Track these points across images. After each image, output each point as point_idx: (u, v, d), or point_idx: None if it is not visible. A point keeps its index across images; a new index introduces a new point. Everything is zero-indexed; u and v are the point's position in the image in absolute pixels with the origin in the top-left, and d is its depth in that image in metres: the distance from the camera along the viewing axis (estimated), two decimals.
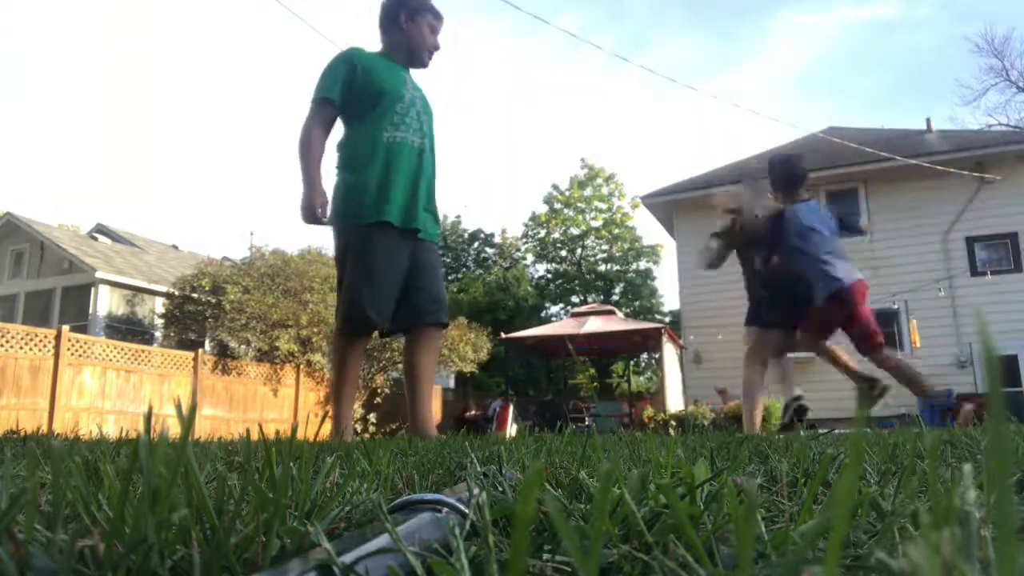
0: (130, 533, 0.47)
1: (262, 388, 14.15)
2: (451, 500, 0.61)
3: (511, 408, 14.25)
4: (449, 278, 33.78)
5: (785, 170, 5.03)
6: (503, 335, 16.93)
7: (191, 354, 13.18)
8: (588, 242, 31.95)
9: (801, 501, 0.69)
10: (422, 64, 3.56)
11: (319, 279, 14.67)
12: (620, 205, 31.61)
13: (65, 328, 11.51)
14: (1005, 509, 0.25)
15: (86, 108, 67.66)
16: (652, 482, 0.63)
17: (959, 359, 13.85)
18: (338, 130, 3.43)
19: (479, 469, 0.88)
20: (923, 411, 13.00)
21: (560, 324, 18.55)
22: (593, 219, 31.73)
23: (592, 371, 26.94)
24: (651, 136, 60.81)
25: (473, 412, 17.39)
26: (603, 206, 31.87)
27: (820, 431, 2.46)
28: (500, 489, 0.77)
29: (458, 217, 35.41)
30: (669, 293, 32.33)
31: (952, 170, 14.22)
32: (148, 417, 0.57)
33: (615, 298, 30.38)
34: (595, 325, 16.11)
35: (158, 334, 17.46)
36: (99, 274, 17.68)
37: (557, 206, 32.05)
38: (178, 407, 0.57)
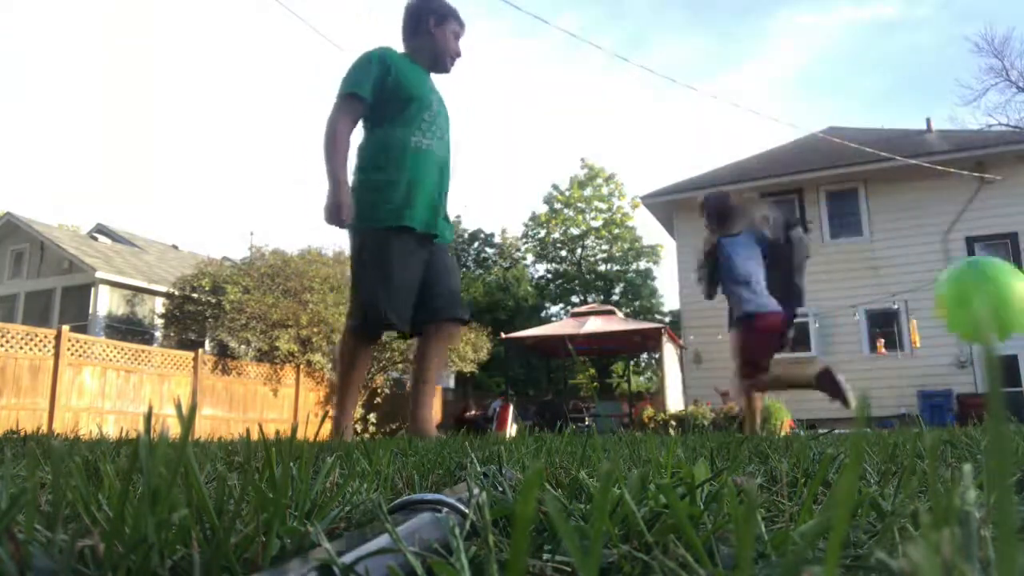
0: (130, 533, 0.47)
1: (262, 388, 14.15)
2: (451, 500, 0.61)
3: (511, 408, 14.25)
4: None
5: (717, 206, 5.38)
6: (503, 335, 16.93)
7: (191, 354, 13.18)
8: (588, 242, 31.96)
9: (801, 501, 0.69)
10: (444, 70, 3.57)
11: (319, 279, 14.67)
12: (620, 205, 31.63)
13: (65, 328, 11.51)
14: (1005, 509, 0.25)
15: (86, 108, 67.72)
16: (652, 482, 0.63)
17: (959, 359, 13.86)
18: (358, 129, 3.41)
19: (479, 469, 0.88)
20: (923, 411, 13.01)
21: (560, 324, 18.55)
22: (593, 219, 31.74)
23: (592, 371, 26.95)
24: (651, 136, 60.84)
25: (473, 412, 17.40)
26: (603, 206, 31.88)
27: (820, 431, 2.46)
28: (500, 489, 0.77)
29: (458, 217, 35.41)
30: (669, 293, 32.37)
31: (952, 170, 14.22)
32: (148, 417, 0.57)
33: (615, 298, 30.39)
34: (595, 325, 16.11)
35: (158, 334, 17.46)
36: (99, 274, 17.68)
37: (557, 206, 32.06)
38: (178, 407, 0.57)
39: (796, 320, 5.19)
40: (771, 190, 16.09)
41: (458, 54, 3.58)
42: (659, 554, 0.49)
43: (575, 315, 18.12)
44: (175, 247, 25.29)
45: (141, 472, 0.50)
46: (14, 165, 59.76)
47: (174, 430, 0.58)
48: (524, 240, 33.47)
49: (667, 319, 27.42)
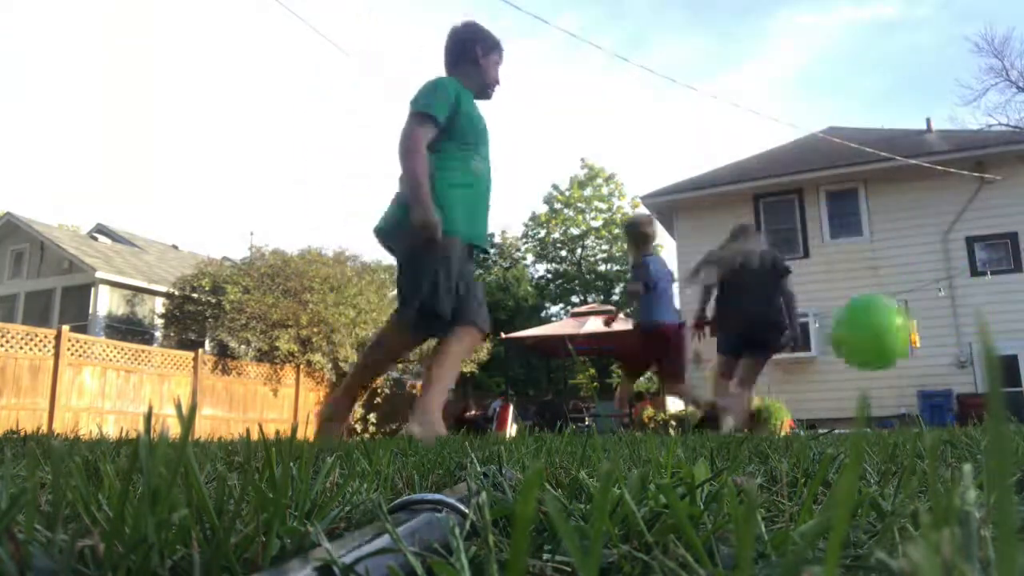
0: (130, 533, 0.47)
1: (262, 388, 14.15)
2: (451, 500, 0.61)
3: (511, 408, 14.25)
4: None
5: (637, 230, 6.16)
6: (503, 335, 16.93)
7: (191, 354, 13.18)
8: (588, 242, 31.97)
9: (801, 501, 0.69)
10: (488, 98, 3.76)
11: (319, 279, 14.67)
12: (620, 205, 31.64)
13: (65, 328, 11.51)
14: (1005, 509, 0.25)
15: (86, 108, 67.67)
16: (652, 482, 0.63)
17: (959, 359, 13.85)
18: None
19: (479, 469, 0.88)
20: (923, 411, 13.01)
21: (560, 324, 18.55)
22: (593, 219, 31.75)
23: (592, 371, 26.94)
24: (651, 136, 60.78)
25: (473, 412, 17.40)
26: (603, 206, 31.89)
27: (820, 431, 2.46)
28: (500, 489, 0.77)
29: None
30: None
31: (952, 170, 14.21)
32: (148, 417, 0.57)
33: (615, 298, 30.38)
34: (595, 325, 16.11)
35: (158, 334, 17.46)
36: (99, 274, 17.69)
37: (557, 206, 32.07)
38: (178, 407, 0.57)
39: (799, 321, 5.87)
40: (771, 190, 16.09)
41: (499, 83, 3.80)
42: (659, 554, 0.49)
43: (575, 315, 18.12)
44: (175, 247, 25.29)
45: (141, 472, 0.50)
46: (14, 165, 59.77)
47: (174, 430, 0.58)
48: (524, 240, 33.48)
49: None
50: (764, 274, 5.78)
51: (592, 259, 32.08)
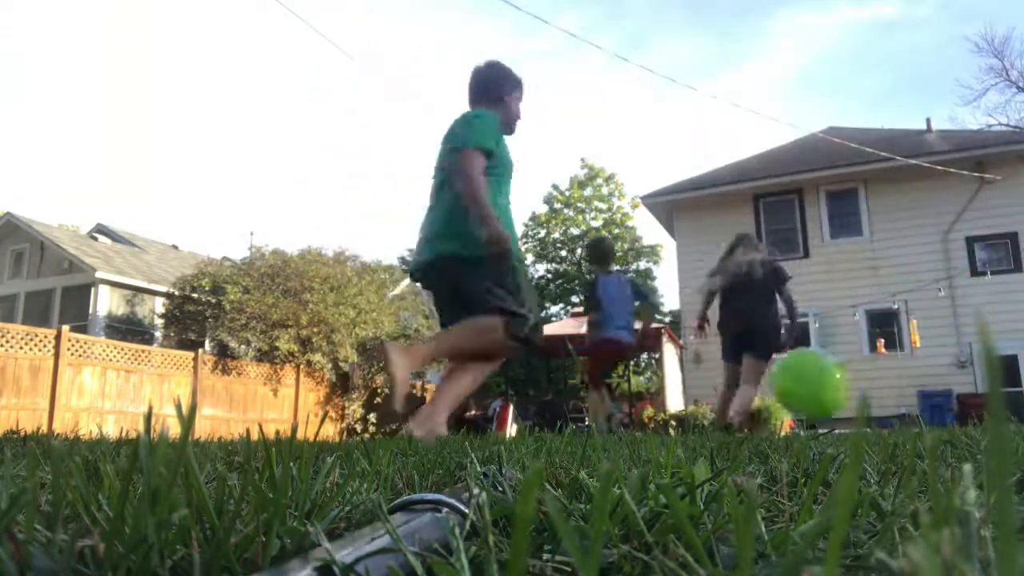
0: (130, 533, 0.47)
1: (262, 388, 14.15)
2: (451, 500, 0.61)
3: (511, 408, 14.25)
4: None
5: (597, 249, 6.77)
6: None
7: (191, 354, 13.18)
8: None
9: (801, 501, 0.69)
10: (511, 132, 3.95)
11: (319, 279, 14.67)
12: (620, 205, 31.62)
13: (65, 328, 11.50)
14: (1005, 509, 0.25)
15: (86, 108, 67.68)
16: (652, 482, 0.63)
17: (959, 359, 13.86)
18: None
19: (479, 469, 0.88)
20: (923, 411, 13.01)
21: (560, 324, 18.54)
22: (593, 219, 31.74)
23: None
24: (651, 136, 60.78)
25: (473, 412, 17.39)
26: (603, 206, 31.88)
27: (820, 431, 2.46)
28: (500, 489, 0.77)
29: None
30: (669, 293, 32.34)
31: (952, 170, 14.22)
32: (148, 417, 0.57)
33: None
34: None
35: (158, 334, 17.46)
36: (99, 274, 17.69)
37: (557, 206, 32.06)
38: (178, 407, 0.57)
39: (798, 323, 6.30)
40: (771, 190, 16.09)
41: (520, 118, 4.01)
42: (659, 554, 0.49)
43: (575, 315, 18.11)
44: (175, 247, 25.29)
45: (141, 472, 0.50)
46: (14, 165, 59.75)
47: (174, 430, 0.58)
48: (524, 240, 33.47)
49: (667, 319, 27.42)
50: (764, 281, 6.05)
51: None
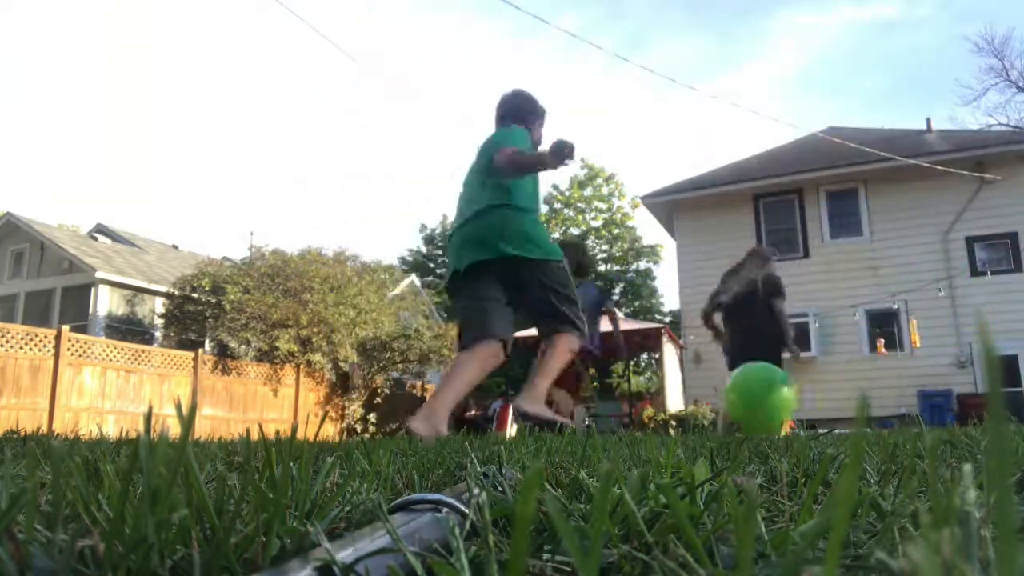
0: (130, 533, 0.47)
1: (262, 388, 14.15)
2: (451, 500, 0.61)
3: (511, 408, 14.25)
4: None
5: (571, 262, 7.47)
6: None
7: (191, 354, 13.18)
8: (588, 242, 31.95)
9: (801, 501, 0.69)
10: None
11: (319, 279, 14.67)
12: (620, 205, 31.63)
13: (65, 328, 11.50)
14: (1005, 509, 0.25)
15: (86, 108, 67.64)
16: (652, 482, 0.63)
17: (959, 359, 13.85)
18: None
19: (479, 469, 0.88)
20: (923, 411, 13.01)
21: None
22: (593, 219, 31.74)
23: (592, 371, 26.93)
24: (651, 136, 60.79)
25: (473, 412, 17.39)
26: (603, 206, 31.88)
27: (820, 431, 2.46)
28: (500, 489, 0.77)
29: None
30: (669, 293, 32.37)
31: (952, 170, 14.21)
32: (148, 417, 0.57)
33: (615, 298, 30.37)
34: None
35: (158, 334, 17.46)
36: (99, 274, 17.68)
37: (557, 206, 32.06)
38: (178, 407, 0.57)
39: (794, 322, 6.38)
40: (771, 190, 16.09)
41: (542, 142, 4.34)
42: (659, 554, 0.49)
43: None
44: (175, 247, 25.28)
45: (141, 472, 0.50)
46: (14, 165, 59.72)
47: (174, 430, 0.58)
48: None
49: (667, 319, 27.43)
50: (764, 299, 6.33)
51: (595, 257, 32.08)
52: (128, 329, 17.83)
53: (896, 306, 14.38)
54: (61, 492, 0.52)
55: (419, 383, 17.16)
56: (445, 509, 0.60)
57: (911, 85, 55.73)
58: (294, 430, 0.77)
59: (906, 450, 1.32)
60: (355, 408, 15.09)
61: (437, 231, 35.36)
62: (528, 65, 56.30)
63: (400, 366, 15.61)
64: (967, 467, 0.53)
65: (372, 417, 15.10)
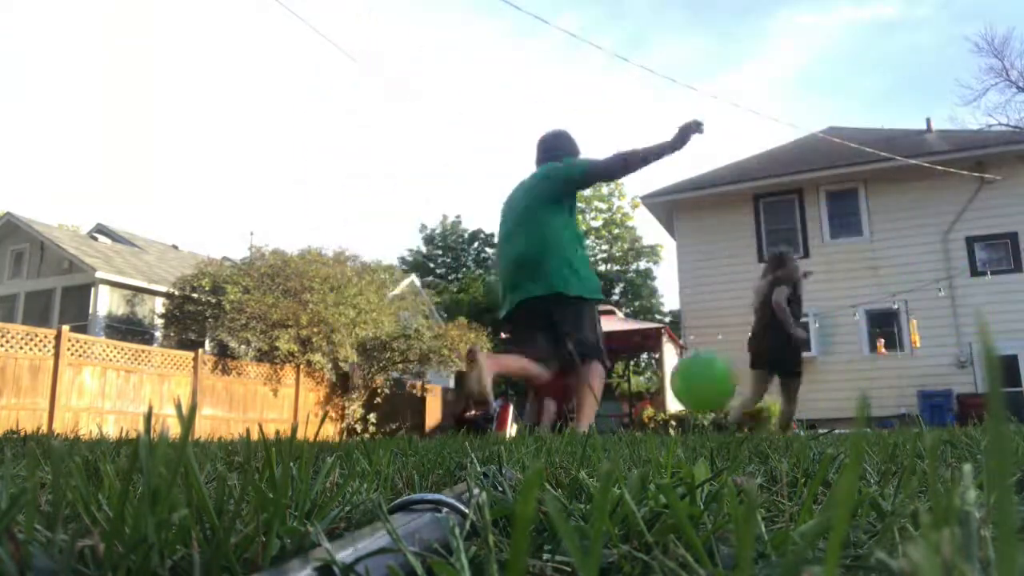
0: (130, 533, 0.47)
1: (262, 388, 14.14)
2: (451, 500, 0.61)
3: (511, 408, 14.25)
4: (449, 278, 33.80)
5: None
6: (503, 335, 16.92)
7: (191, 354, 13.17)
8: (588, 242, 31.95)
9: (801, 501, 0.69)
10: None
11: (319, 279, 14.67)
12: (620, 205, 31.62)
13: (65, 328, 11.50)
14: (1005, 509, 0.25)
15: (86, 108, 67.64)
16: (652, 482, 0.63)
17: (959, 359, 13.85)
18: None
19: (479, 469, 0.88)
20: (923, 411, 13.01)
21: None
22: (593, 219, 31.73)
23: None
24: (651, 136, 60.67)
25: (473, 412, 17.36)
26: (603, 206, 31.87)
27: (820, 431, 2.46)
28: (500, 489, 0.77)
29: (458, 217, 35.45)
30: (669, 293, 32.37)
31: (952, 170, 14.21)
32: (148, 417, 0.57)
33: (615, 298, 30.38)
34: None
35: (158, 334, 17.46)
36: (99, 274, 17.68)
37: None
38: (178, 407, 0.57)
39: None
40: (771, 190, 16.09)
41: None
42: (659, 554, 0.49)
43: None
44: (175, 247, 25.27)
45: (141, 472, 0.50)
46: (14, 165, 59.71)
47: (174, 430, 0.58)
48: None
49: (667, 319, 27.43)
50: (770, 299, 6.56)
51: (592, 259, 32.06)
52: (128, 329, 17.83)
53: (896, 306, 14.38)
54: (61, 492, 0.52)
55: (419, 383, 17.15)
56: (445, 509, 0.60)
57: (911, 85, 55.77)
58: (294, 430, 0.77)
59: (906, 450, 1.32)
60: (355, 408, 15.08)
61: (437, 231, 35.37)
62: (528, 65, 56.33)
63: (400, 366, 15.60)
64: (967, 467, 0.53)
65: (372, 417, 15.10)
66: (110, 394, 11.79)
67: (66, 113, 68.88)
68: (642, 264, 31.77)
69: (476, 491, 0.65)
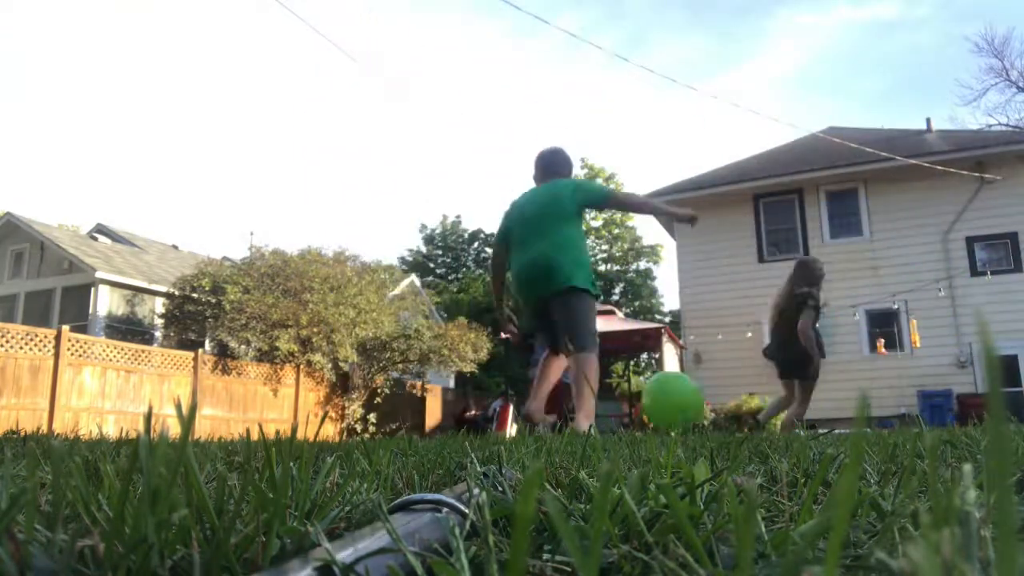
0: (130, 533, 0.47)
1: (262, 388, 14.14)
2: (451, 500, 0.61)
3: (511, 408, 14.24)
4: (449, 278, 33.80)
5: None
6: (503, 335, 16.91)
7: (191, 354, 13.17)
8: (588, 242, 31.94)
9: (801, 501, 0.69)
10: None
11: (319, 279, 14.66)
12: None
13: (65, 328, 11.50)
14: (1005, 509, 0.25)
15: (86, 108, 67.64)
16: (652, 482, 0.63)
17: (959, 359, 13.85)
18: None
19: (479, 469, 0.88)
20: (923, 411, 13.01)
21: None
22: (593, 219, 31.73)
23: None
24: (651, 136, 60.82)
25: (473, 412, 17.41)
26: None
27: (820, 431, 2.46)
28: (500, 489, 0.77)
29: (458, 217, 35.45)
30: (669, 293, 32.39)
31: (952, 170, 14.21)
32: (148, 417, 0.57)
33: (615, 298, 30.39)
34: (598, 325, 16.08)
35: (158, 334, 17.46)
36: (99, 274, 17.68)
37: None
38: (178, 407, 0.57)
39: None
40: (771, 190, 16.09)
41: None
42: (659, 554, 0.49)
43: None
44: (175, 247, 25.27)
45: (141, 472, 0.50)
46: (14, 165, 59.70)
47: (174, 430, 0.58)
48: None
49: (667, 319, 27.44)
50: (794, 312, 6.60)
51: (592, 259, 32.06)
52: (128, 329, 17.83)
53: (896, 306, 14.38)
54: (61, 492, 0.52)
55: (419, 383, 17.16)
56: (445, 509, 0.60)
57: (911, 85, 55.78)
58: (294, 430, 0.77)
59: (906, 450, 1.32)
60: (355, 408, 15.08)
61: (437, 231, 35.37)
62: (528, 65, 56.34)
63: (400, 366, 15.60)
64: (967, 467, 0.53)
65: (372, 417, 15.10)
66: (110, 394, 11.79)
67: (66, 113, 68.89)
68: (642, 264, 31.78)
69: (476, 491, 0.65)
